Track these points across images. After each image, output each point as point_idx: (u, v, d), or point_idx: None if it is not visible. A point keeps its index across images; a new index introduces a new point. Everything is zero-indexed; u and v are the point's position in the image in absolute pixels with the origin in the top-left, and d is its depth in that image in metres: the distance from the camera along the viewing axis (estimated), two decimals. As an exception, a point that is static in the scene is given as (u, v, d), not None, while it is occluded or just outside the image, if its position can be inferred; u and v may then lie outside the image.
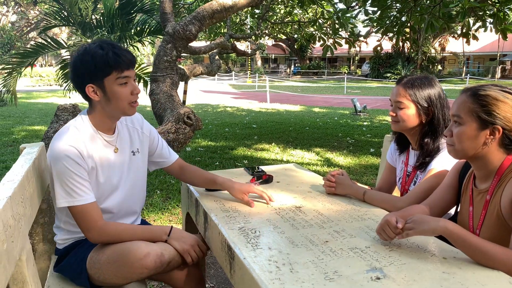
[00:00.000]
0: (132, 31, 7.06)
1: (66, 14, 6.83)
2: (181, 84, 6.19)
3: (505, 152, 1.25)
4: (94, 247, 1.49)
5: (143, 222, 1.80)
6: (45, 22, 7.63)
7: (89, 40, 6.32)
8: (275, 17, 10.19)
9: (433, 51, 31.23)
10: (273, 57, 48.74)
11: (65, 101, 3.84)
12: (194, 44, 5.67)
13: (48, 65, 34.05)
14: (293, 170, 2.14)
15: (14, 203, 1.17)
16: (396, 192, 1.94)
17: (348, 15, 5.82)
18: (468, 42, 5.57)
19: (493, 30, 4.89)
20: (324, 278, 1.02)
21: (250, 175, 1.95)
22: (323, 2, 7.13)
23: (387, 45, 16.43)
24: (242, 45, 22.95)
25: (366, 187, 1.74)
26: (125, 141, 1.60)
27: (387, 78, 27.46)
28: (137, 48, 8.00)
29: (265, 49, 37.35)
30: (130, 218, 1.66)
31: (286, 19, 9.96)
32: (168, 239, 1.50)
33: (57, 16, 6.94)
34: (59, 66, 7.02)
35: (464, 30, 5.44)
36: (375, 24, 5.68)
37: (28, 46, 9.18)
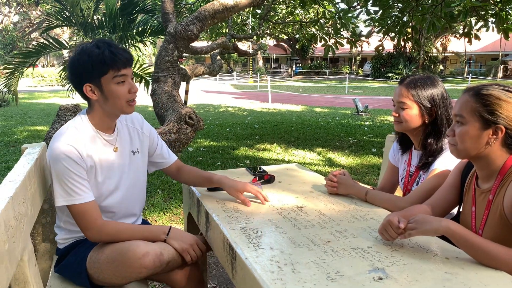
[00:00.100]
0: (134, 31, 7.07)
1: (68, 14, 6.85)
2: (183, 84, 6.20)
3: (507, 152, 1.24)
4: (94, 247, 1.49)
5: (144, 222, 1.79)
6: (47, 22, 7.65)
7: (90, 41, 6.33)
8: (276, 17, 10.18)
9: (435, 51, 31.19)
10: (274, 57, 48.74)
11: (67, 101, 3.84)
12: (196, 44, 5.67)
13: (50, 66, 34.15)
14: (294, 170, 2.14)
15: (16, 203, 1.17)
16: (398, 192, 1.94)
17: (350, 15, 5.82)
18: (470, 41, 5.54)
19: (495, 29, 4.88)
20: (326, 278, 1.01)
21: (251, 175, 1.95)
22: (324, 2, 7.13)
23: (388, 45, 16.38)
24: (244, 45, 22.98)
25: (368, 187, 1.73)
26: (125, 140, 1.60)
27: (388, 78, 27.47)
28: (139, 48, 8.01)
29: (267, 49, 37.38)
30: (130, 220, 1.66)
31: (288, 19, 9.95)
32: (167, 238, 1.50)
33: (59, 17, 6.95)
34: (62, 67, 7.04)
35: (466, 30, 5.41)
36: (376, 24, 5.66)
37: (30, 46, 9.19)
